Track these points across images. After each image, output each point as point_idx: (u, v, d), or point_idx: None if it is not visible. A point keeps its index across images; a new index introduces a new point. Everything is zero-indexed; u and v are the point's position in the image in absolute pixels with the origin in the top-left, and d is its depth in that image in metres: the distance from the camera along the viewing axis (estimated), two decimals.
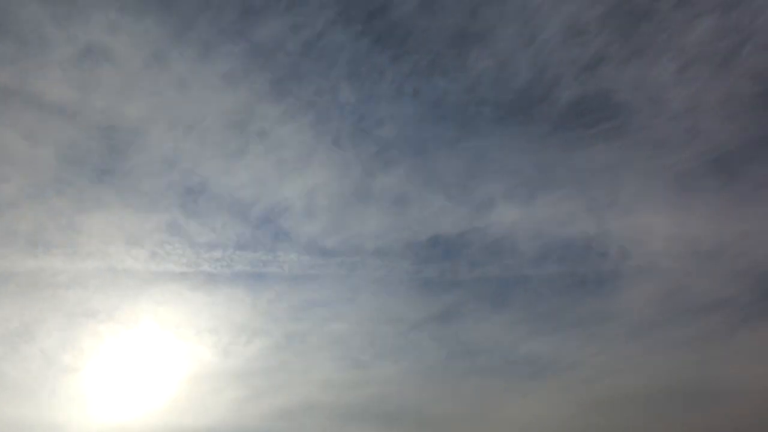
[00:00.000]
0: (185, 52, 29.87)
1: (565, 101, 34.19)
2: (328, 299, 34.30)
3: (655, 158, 34.58)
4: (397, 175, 34.34)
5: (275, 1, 29.76)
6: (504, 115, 34.18)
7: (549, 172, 35.24)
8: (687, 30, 32.29)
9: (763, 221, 34.16)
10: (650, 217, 35.34)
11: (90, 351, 31.42)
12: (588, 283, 35.59)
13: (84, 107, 29.61)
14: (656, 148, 34.72)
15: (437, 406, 33.51)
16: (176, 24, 29.69)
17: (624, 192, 35.30)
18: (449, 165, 34.58)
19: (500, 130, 34.58)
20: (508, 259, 35.03)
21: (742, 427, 29.68)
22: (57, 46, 28.07)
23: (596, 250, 35.27)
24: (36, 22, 27.38)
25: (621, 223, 35.37)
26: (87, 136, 30.59)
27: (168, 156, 31.38)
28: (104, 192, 30.71)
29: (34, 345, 30.41)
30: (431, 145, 34.28)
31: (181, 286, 32.32)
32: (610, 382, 33.56)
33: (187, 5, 28.91)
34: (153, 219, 31.72)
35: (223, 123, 31.50)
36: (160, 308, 32.46)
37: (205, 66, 30.42)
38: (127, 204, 31.41)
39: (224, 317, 33.52)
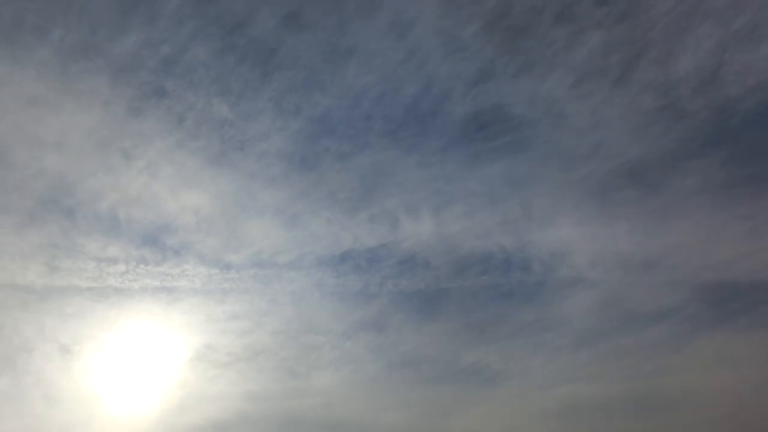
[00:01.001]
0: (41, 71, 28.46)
1: (460, 115, 34.01)
2: (247, 312, 34.16)
3: (566, 171, 34.85)
4: (288, 190, 33.60)
5: (129, 16, 27.89)
6: (395, 129, 33.66)
7: (455, 185, 35.09)
8: (574, 45, 32.38)
9: (690, 233, 34.86)
10: (570, 229, 35.65)
11: None
12: (516, 295, 35.87)
13: None
14: (565, 162, 35.03)
15: (384, 416, 33.24)
16: (27, 43, 28.09)
17: (538, 205, 35.49)
18: (343, 180, 33.85)
19: (394, 145, 34.03)
20: (425, 273, 34.95)
21: None
22: None
23: (517, 263, 35.50)
24: None
25: (540, 235, 35.65)
26: None
27: (38, 174, 30.62)
28: None
29: None
30: (322, 159, 33.43)
31: (86, 299, 32.42)
32: (562, 391, 33.91)
33: (34, 25, 27.21)
34: (41, 233, 31.37)
35: (90, 141, 30.48)
36: (65, 323, 32.62)
37: (62, 84, 29.04)
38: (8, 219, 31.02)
39: (138, 331, 33.72)
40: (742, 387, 31.36)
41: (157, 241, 32.75)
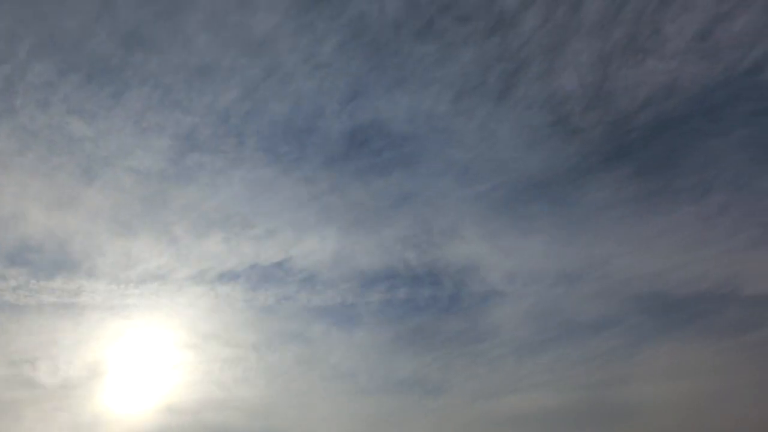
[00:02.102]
0: None
1: (339, 131, 33.32)
2: (154, 326, 33.83)
3: (464, 186, 34.35)
4: (166, 207, 32.77)
5: None
6: (271, 145, 33.04)
7: (345, 200, 34.46)
8: (445, 61, 31.25)
9: (612, 245, 34.43)
10: (478, 243, 35.17)
11: None
12: (434, 308, 35.44)
13: None
14: (460, 177, 34.50)
15: (322, 426, 33.20)
16: None
17: (439, 220, 34.93)
18: (226, 196, 32.96)
19: (270, 160, 33.41)
20: (329, 289, 34.64)
21: None
22: None
23: (426, 278, 35.04)
24: None
25: (446, 250, 35.10)
26: None
27: None
28: None
29: None
30: (196, 175, 32.43)
31: None
32: (512, 400, 33.54)
33: None
34: None
35: None
36: None
37: None
38: None
39: (40, 344, 33.14)
40: (692, 396, 31.23)
41: (33, 258, 31.91)
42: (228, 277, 33.78)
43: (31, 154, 31.18)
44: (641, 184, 34.50)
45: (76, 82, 29.62)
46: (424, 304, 35.24)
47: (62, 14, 27.54)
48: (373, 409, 33.56)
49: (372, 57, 30.66)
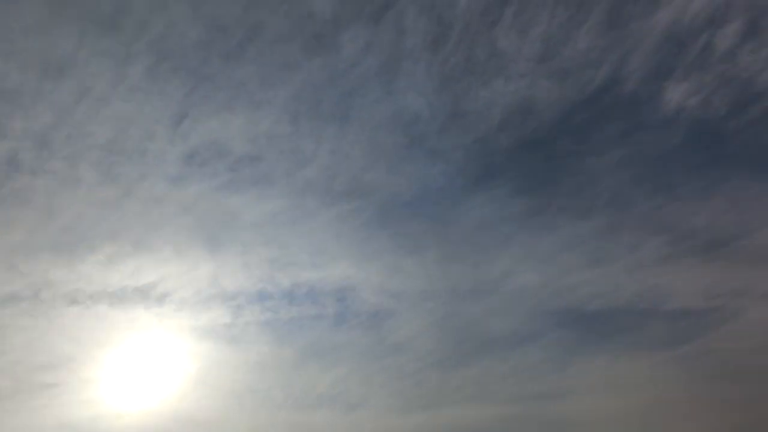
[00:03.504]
0: None
1: (176, 154, 32.04)
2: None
3: (330, 206, 33.61)
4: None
5: None
6: (105, 168, 31.80)
7: (199, 221, 33.60)
8: (270, 84, 30.31)
9: (510, 261, 34.12)
10: (356, 263, 34.62)
11: None
12: (328, 324, 34.96)
13: None
14: (323, 197, 33.74)
15: None
16: None
17: (310, 241, 34.28)
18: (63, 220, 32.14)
19: (107, 181, 32.15)
20: (205, 314, 34.10)
21: None
22: None
23: (309, 298, 34.54)
24: None
25: (323, 271, 34.53)
26: None
27: None
28: None
29: None
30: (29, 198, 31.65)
31: None
32: (439, 413, 33.06)
33: None
34: None
35: None
36: None
37: None
38: None
39: None
40: (627, 410, 30.82)
41: None
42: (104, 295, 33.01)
43: None
44: (522, 203, 34.32)
45: None
46: (310, 322, 34.88)
47: None
48: (291, 426, 33.18)
49: (186, 80, 29.13)
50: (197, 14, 26.59)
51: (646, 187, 33.44)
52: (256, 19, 26.64)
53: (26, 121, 29.77)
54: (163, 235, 33.67)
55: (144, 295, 33.80)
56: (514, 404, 32.02)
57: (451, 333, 34.36)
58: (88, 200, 32.33)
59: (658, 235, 32.76)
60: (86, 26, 26.94)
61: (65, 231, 32.29)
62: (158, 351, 34.81)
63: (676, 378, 31.17)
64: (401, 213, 34.20)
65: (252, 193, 33.46)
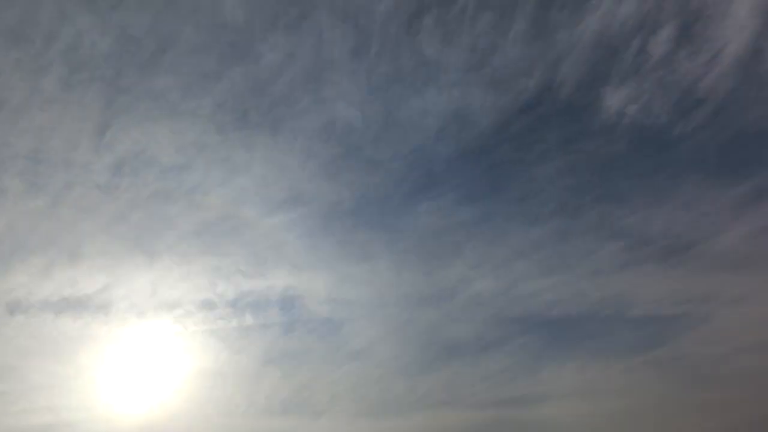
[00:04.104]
0: None
1: (106, 162, 31.69)
2: None
3: (271, 215, 33.31)
4: None
5: None
6: (32, 179, 31.25)
7: (135, 231, 33.10)
8: (190, 95, 30.04)
9: (463, 269, 33.78)
10: (301, 271, 34.33)
11: None
12: (279, 332, 34.75)
13: None
14: (262, 206, 33.45)
15: None
16: None
17: (250, 250, 33.85)
18: None
19: (35, 191, 31.54)
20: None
21: None
22: None
23: (253, 307, 34.23)
24: None
25: (267, 280, 34.21)
26: None
27: None
28: None
29: None
30: None
31: None
32: (410, 418, 32.88)
33: None
34: None
35: None
36: None
37: None
38: None
39: None
40: (599, 415, 30.57)
41: None
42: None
43: None
44: (469, 211, 33.76)
45: None
46: (260, 331, 34.63)
47: None
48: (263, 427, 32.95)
49: (103, 90, 28.65)
50: (106, 25, 26.08)
51: (595, 194, 33.09)
52: (168, 30, 25.90)
53: None
54: (98, 244, 33.18)
55: (87, 304, 33.39)
56: (488, 409, 31.86)
57: (412, 339, 34.12)
58: (15, 210, 31.77)
59: (613, 241, 32.50)
60: None
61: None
62: (108, 359, 34.44)
63: (649, 383, 30.93)
64: (345, 222, 33.93)
65: (185, 202, 32.88)
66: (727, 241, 31.26)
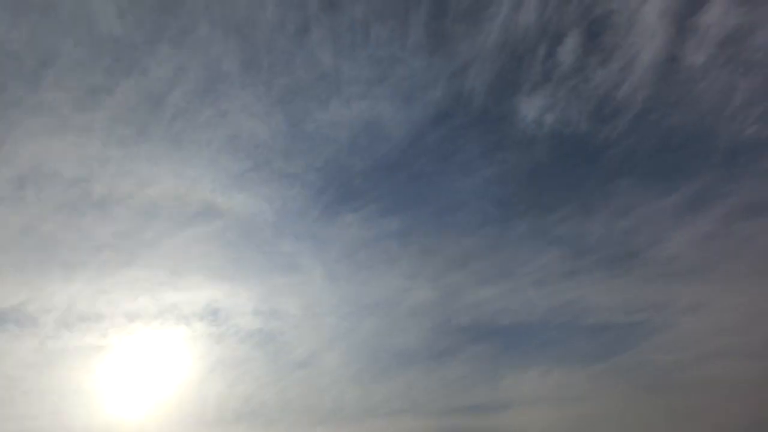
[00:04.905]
0: None
1: (6, 176, 31.06)
2: None
3: (184, 228, 33.02)
4: None
5: None
6: None
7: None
8: (83, 109, 29.25)
9: (403, 279, 33.75)
10: (222, 281, 34.20)
11: None
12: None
13: None
14: (173, 219, 33.09)
15: None
16: None
17: (172, 260, 33.62)
18: None
19: None
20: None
21: None
22: None
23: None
24: None
25: (205, 291, 34.13)
26: None
27: None
28: None
29: None
30: None
31: None
32: (367, 424, 32.83)
33: None
34: None
35: None
36: None
37: None
38: None
39: None
40: (563, 422, 30.57)
41: None
42: None
43: None
44: (395, 222, 33.53)
45: None
46: (190, 342, 34.48)
47: None
48: None
49: None
50: None
51: (526, 204, 32.73)
52: (47, 44, 24.89)
53: None
54: (11, 257, 32.38)
55: (11, 316, 32.75)
56: (450, 416, 31.65)
57: (358, 348, 34.41)
58: None
59: (552, 250, 32.50)
60: None
61: None
62: (40, 370, 33.89)
63: (613, 390, 30.79)
64: (266, 234, 33.63)
65: (96, 214, 32.40)
66: (671, 249, 31.05)
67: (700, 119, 30.94)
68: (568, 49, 27.52)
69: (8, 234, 32.42)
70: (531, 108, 29.97)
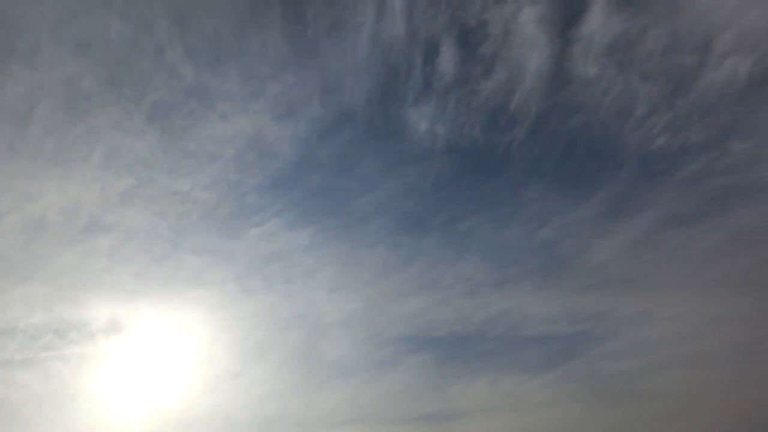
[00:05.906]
0: None
1: None
2: None
3: (75, 243, 32.23)
4: None
5: None
6: None
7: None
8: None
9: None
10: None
11: None
12: None
13: None
14: (65, 235, 32.06)
15: None
16: None
17: (74, 278, 32.58)
18: None
19: None
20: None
21: None
22: None
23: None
24: None
25: (106, 306, 33.17)
26: None
27: None
28: None
29: None
30: None
31: None
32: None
33: None
34: None
35: None
36: None
37: None
38: None
39: None
40: (521, 430, 30.55)
41: None
42: None
43: None
44: (305, 235, 33.40)
45: None
46: (100, 358, 33.32)
47: None
48: None
49: None
50: None
51: (438, 216, 32.42)
52: None
53: None
54: None
55: None
56: (401, 425, 31.29)
57: (290, 359, 33.67)
58: None
59: (475, 261, 32.26)
60: None
61: None
62: None
63: (564, 398, 30.89)
64: (165, 248, 32.98)
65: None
66: (598, 257, 31.14)
67: (604, 128, 30.92)
68: (446, 59, 27.17)
69: None
70: (420, 118, 29.72)
